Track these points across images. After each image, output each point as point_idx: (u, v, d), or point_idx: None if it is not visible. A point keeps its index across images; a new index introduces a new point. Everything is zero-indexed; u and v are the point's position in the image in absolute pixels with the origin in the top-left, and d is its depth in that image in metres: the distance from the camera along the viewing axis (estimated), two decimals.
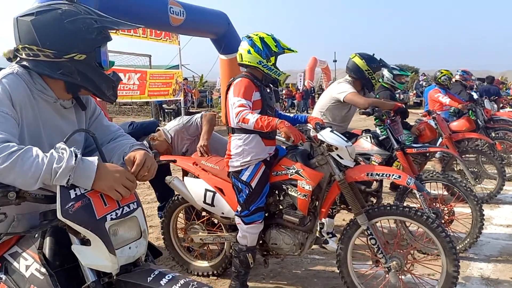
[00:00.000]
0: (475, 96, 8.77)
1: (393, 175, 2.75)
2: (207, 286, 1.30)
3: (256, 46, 2.88)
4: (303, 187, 2.77)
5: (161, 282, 1.22)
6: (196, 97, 24.28)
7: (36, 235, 1.28)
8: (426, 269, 3.00)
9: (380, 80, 5.57)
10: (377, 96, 5.68)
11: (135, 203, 1.31)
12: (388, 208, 2.76)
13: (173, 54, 17.30)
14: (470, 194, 3.66)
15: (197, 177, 3.16)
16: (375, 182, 3.91)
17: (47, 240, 1.26)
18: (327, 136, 2.74)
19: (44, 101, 1.38)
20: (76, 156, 1.18)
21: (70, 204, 1.17)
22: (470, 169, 5.51)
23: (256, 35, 2.92)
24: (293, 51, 3.10)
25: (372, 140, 3.94)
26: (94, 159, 1.23)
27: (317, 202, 2.87)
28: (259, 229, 2.88)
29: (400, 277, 2.78)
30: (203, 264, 3.40)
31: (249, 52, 2.91)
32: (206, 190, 3.07)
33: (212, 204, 3.07)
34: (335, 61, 45.70)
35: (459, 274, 2.66)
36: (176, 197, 3.33)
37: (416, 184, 2.75)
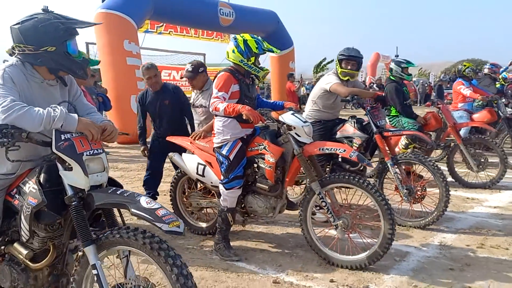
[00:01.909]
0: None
1: (339, 149, 3.35)
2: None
3: (239, 47, 3.55)
4: (269, 160, 3.45)
5: (112, 190, 2.00)
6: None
7: (37, 170, 2.10)
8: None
9: (389, 73, 6.06)
10: (385, 89, 6.18)
11: (100, 149, 2.09)
12: (337, 177, 3.37)
13: (223, 52, 18.33)
14: (437, 172, 4.12)
15: (193, 154, 3.94)
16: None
17: (42, 172, 2.07)
18: (287, 118, 3.40)
19: (35, 82, 2.15)
20: (64, 111, 1.99)
21: (61, 143, 1.97)
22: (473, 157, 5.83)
23: (242, 37, 3.61)
24: (273, 51, 3.76)
25: (355, 125, 4.49)
26: (75, 115, 2.04)
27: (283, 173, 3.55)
28: (237, 194, 3.59)
29: (349, 235, 3.38)
30: (202, 225, 4.18)
31: (233, 51, 3.60)
32: (198, 163, 3.84)
33: (203, 175, 3.85)
34: (397, 56, 44.66)
35: (394, 234, 3.21)
36: (178, 171, 4.14)
37: (358, 156, 3.32)
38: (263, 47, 3.55)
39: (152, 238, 1.90)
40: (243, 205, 3.74)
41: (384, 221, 3.21)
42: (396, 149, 5.80)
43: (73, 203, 1.99)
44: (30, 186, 2.06)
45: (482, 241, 3.82)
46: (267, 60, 18.07)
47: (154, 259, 1.88)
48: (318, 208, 4.35)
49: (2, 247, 2.28)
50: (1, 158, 2.07)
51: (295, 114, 3.47)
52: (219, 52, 20.05)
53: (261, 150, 3.51)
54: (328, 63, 41.64)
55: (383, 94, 4.59)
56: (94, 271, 1.97)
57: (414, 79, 38.32)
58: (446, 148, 6.35)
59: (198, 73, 4.32)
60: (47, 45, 2.06)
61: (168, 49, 16.01)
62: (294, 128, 3.37)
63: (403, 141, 5.79)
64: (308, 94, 6.55)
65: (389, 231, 3.19)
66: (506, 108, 8.28)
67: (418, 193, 4.29)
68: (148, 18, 12.85)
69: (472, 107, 7.62)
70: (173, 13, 13.21)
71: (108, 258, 2.12)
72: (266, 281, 3.15)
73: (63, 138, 1.97)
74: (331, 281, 3.14)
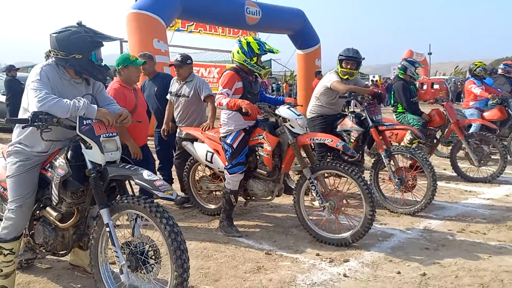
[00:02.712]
0: None
1: (327, 139, 3.78)
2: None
3: (243, 48, 4.03)
4: (266, 148, 3.90)
5: (122, 165, 2.52)
6: (286, 90, 25.96)
7: (65, 148, 2.63)
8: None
9: (401, 71, 6.38)
10: (393, 87, 6.51)
11: (115, 133, 2.60)
12: (326, 164, 3.81)
13: None
14: (426, 163, 4.47)
15: (203, 143, 4.44)
16: (359, 154, 4.91)
17: (69, 150, 2.60)
18: (282, 111, 3.84)
19: (65, 79, 2.67)
20: (86, 103, 2.52)
21: (83, 127, 2.49)
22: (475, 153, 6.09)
23: (246, 39, 4.09)
24: (273, 51, 4.20)
25: (354, 119, 4.88)
26: (95, 105, 2.57)
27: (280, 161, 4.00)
28: (239, 178, 4.07)
29: (336, 215, 3.80)
30: (211, 206, 4.68)
31: (238, 52, 4.08)
32: (207, 151, 4.34)
33: (211, 162, 4.34)
34: (430, 53, 44.00)
35: (374, 216, 3.62)
36: (191, 158, 4.66)
37: (344, 146, 3.73)
38: (264, 48, 4.00)
39: (151, 203, 2.40)
40: (245, 189, 4.22)
41: (365, 204, 3.61)
42: (402, 144, 6.17)
43: (92, 175, 2.51)
44: (60, 161, 2.60)
45: (464, 227, 4.16)
46: (293, 58, 18.46)
47: (152, 220, 2.39)
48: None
49: (38, 212, 2.83)
50: (37, 139, 2.61)
51: (291, 108, 3.90)
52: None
53: (260, 139, 3.97)
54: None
55: (379, 91, 4.93)
56: (107, 229, 2.49)
57: (446, 77, 37.70)
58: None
59: (185, 63, 4.69)
60: (76, 53, 2.59)
61: (199, 46, 16.64)
62: (289, 120, 3.81)
63: (408, 136, 6.12)
64: None
65: (370, 213, 3.59)
66: None
67: (409, 182, 4.64)
68: (177, 17, 13.46)
69: (483, 105, 7.81)
70: (200, 12, 13.76)
71: (119, 220, 2.65)
72: (259, 252, 3.62)
73: (85, 123, 2.50)
74: (317, 255, 3.57)
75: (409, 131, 6.10)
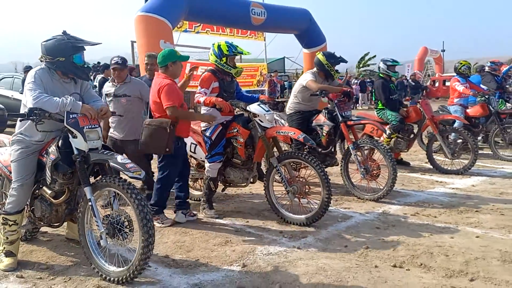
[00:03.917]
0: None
1: (290, 132, 4.29)
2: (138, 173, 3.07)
3: (215, 50, 4.57)
4: (239, 140, 4.43)
5: (101, 151, 3.09)
6: None
7: (57, 138, 3.21)
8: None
9: (377, 71, 6.86)
10: (374, 84, 6.98)
11: (97, 125, 3.17)
12: (290, 154, 4.32)
13: (266, 48, 19.36)
14: (387, 154, 4.94)
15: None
16: (330, 146, 5.41)
17: (60, 139, 3.16)
18: (252, 107, 4.36)
19: (55, 80, 3.22)
20: (72, 100, 3.09)
21: (69, 120, 3.05)
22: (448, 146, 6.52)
23: (218, 43, 4.61)
24: (242, 53, 4.66)
25: (326, 115, 5.37)
26: (80, 102, 3.14)
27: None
28: (218, 166, 4.60)
29: (299, 199, 4.31)
30: (197, 193, 5.24)
31: (211, 54, 4.63)
32: (191, 143, 4.89)
33: (195, 152, 4.90)
34: (443, 50, 43.75)
35: (330, 199, 4.11)
36: None
37: (304, 138, 4.23)
38: (233, 50, 4.50)
39: (124, 181, 2.96)
40: (224, 176, 4.76)
41: (323, 188, 4.12)
42: (381, 139, 6.65)
43: (78, 159, 3.09)
44: (52, 148, 3.18)
45: (418, 211, 4.62)
46: (300, 57, 18.89)
47: (124, 195, 2.94)
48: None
49: (37, 191, 3.42)
50: (35, 130, 3.20)
51: (261, 105, 4.42)
52: (253, 49, 21.00)
53: (235, 132, 4.50)
54: (370, 58, 41.49)
55: (348, 90, 5.41)
56: (90, 203, 3.06)
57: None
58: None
59: (125, 66, 4.92)
60: (59, 56, 3.17)
61: (205, 46, 17.19)
62: (258, 115, 4.34)
63: (387, 131, 6.59)
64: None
65: (326, 197, 4.09)
66: (507, 103, 8.79)
67: (374, 172, 5.12)
68: (184, 19, 14.05)
69: (467, 102, 8.19)
70: (206, 14, 14.31)
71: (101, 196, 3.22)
72: (231, 229, 4.17)
73: (71, 117, 3.07)
74: (280, 232, 4.09)
75: (388, 126, 6.58)
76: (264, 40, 18.25)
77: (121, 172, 3.05)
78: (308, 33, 17.67)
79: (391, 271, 3.23)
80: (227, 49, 4.51)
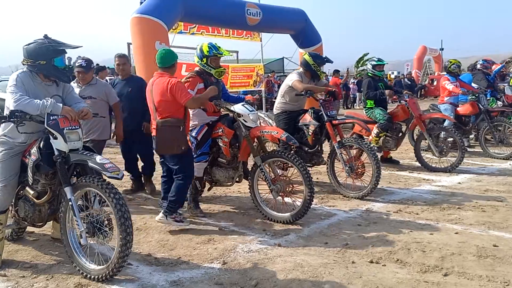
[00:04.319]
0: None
1: (273, 132, 4.36)
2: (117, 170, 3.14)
3: (197, 52, 4.64)
4: (224, 140, 4.50)
5: (81, 152, 3.15)
6: None
7: (39, 140, 3.28)
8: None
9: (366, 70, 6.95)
10: (362, 83, 7.05)
11: (77, 126, 3.24)
12: (273, 153, 4.38)
13: (263, 49, 19.43)
14: (371, 152, 5.00)
15: None
16: (317, 146, 5.47)
17: (42, 141, 3.23)
18: (236, 107, 4.42)
19: (37, 83, 3.29)
20: (53, 102, 3.16)
21: (50, 121, 3.11)
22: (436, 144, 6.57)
23: (201, 45, 4.67)
24: (222, 54, 4.68)
25: (312, 115, 5.43)
26: (61, 104, 3.20)
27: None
28: (203, 166, 4.67)
29: (283, 197, 4.37)
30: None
31: (195, 55, 4.70)
32: None
33: None
34: (442, 49, 43.77)
35: (313, 197, 4.18)
36: None
37: (287, 137, 4.30)
38: (213, 51, 4.54)
39: (103, 181, 3.03)
40: (210, 176, 4.82)
41: (305, 187, 4.18)
42: (369, 138, 6.72)
43: (58, 160, 3.15)
44: (34, 149, 3.25)
45: (401, 209, 4.69)
46: (295, 56, 18.96)
47: (103, 194, 3.01)
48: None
49: (21, 191, 3.49)
50: (17, 132, 3.27)
51: (245, 105, 4.49)
52: (250, 49, 21.05)
53: (220, 132, 4.57)
54: (369, 59, 41.56)
55: (334, 89, 5.47)
56: (70, 203, 3.13)
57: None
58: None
59: (90, 68, 4.93)
60: (40, 59, 3.24)
61: None
62: (242, 115, 4.40)
63: (375, 130, 6.66)
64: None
65: (309, 195, 4.15)
66: (497, 102, 8.84)
67: (359, 170, 5.18)
68: (179, 20, 14.12)
69: (457, 101, 8.25)
70: (202, 15, 14.38)
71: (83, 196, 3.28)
72: (215, 228, 4.23)
73: (51, 118, 3.14)
74: (263, 230, 4.15)
75: (376, 126, 6.64)
76: (261, 41, 18.28)
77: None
78: (304, 33, 17.73)
79: (368, 266, 3.29)
80: (208, 50, 4.57)
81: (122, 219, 2.94)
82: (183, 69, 14.15)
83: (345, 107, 22.48)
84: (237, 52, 19.27)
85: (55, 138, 3.16)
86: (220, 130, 4.55)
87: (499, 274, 3.11)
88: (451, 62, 8.28)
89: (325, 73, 5.69)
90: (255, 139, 4.49)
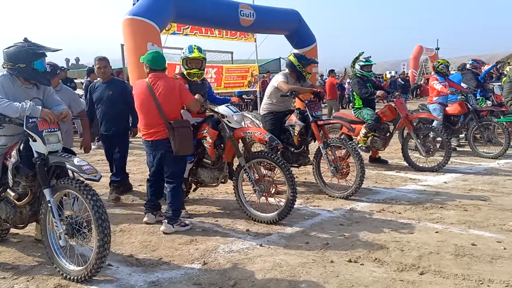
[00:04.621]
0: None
1: (256, 133, 4.39)
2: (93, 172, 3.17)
3: (181, 54, 4.70)
4: (208, 140, 4.53)
5: (60, 154, 3.18)
6: None
7: (19, 143, 3.30)
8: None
9: (355, 70, 7.00)
10: (351, 83, 7.08)
11: (56, 129, 3.27)
12: (256, 154, 4.41)
13: (257, 49, 19.46)
14: (355, 152, 5.03)
15: None
16: (303, 146, 5.50)
17: (22, 143, 3.25)
18: (221, 109, 4.45)
19: (17, 86, 3.33)
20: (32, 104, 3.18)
21: (29, 124, 3.14)
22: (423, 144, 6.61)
23: (186, 47, 4.71)
24: (200, 55, 4.68)
25: (298, 115, 5.46)
26: (40, 107, 3.23)
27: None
28: (189, 167, 4.69)
29: (267, 198, 4.40)
30: None
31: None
32: None
33: None
34: (437, 48, 43.87)
35: (296, 197, 4.20)
36: None
37: (270, 138, 4.33)
38: (186, 53, 4.60)
39: (81, 183, 3.05)
40: (195, 176, 4.85)
41: (288, 187, 4.21)
42: (357, 138, 6.76)
43: (37, 162, 3.18)
44: (13, 152, 3.28)
45: (385, 208, 4.72)
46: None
47: (80, 196, 3.03)
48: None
49: (3, 194, 3.52)
50: None
51: (229, 107, 4.51)
52: (245, 49, 21.07)
53: (204, 133, 4.60)
54: (357, 60, 41.65)
55: (318, 90, 5.50)
56: (49, 204, 3.16)
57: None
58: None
59: (56, 74, 4.83)
60: (20, 63, 3.27)
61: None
62: (226, 116, 4.43)
63: (363, 130, 6.70)
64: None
65: (291, 195, 4.19)
66: (487, 101, 8.90)
67: (344, 170, 5.21)
68: (172, 21, 14.13)
69: (446, 101, 8.29)
70: (194, 16, 14.38)
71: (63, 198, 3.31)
72: (198, 229, 4.25)
73: (30, 121, 3.17)
74: (247, 230, 4.18)
75: (364, 126, 6.68)
76: (255, 41, 18.31)
77: None
78: (298, 33, 17.74)
79: (346, 266, 3.33)
80: (184, 51, 4.66)
81: (99, 220, 2.96)
82: (176, 70, 14.20)
83: (341, 107, 22.53)
84: (231, 52, 19.27)
85: (34, 140, 3.18)
86: (205, 131, 4.58)
87: (475, 272, 3.15)
88: (439, 62, 8.33)
89: (310, 74, 5.70)
90: (240, 140, 4.52)
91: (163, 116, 4.12)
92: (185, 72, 4.65)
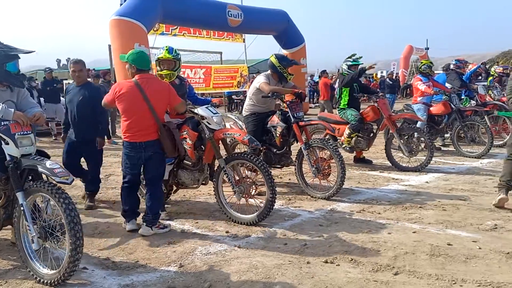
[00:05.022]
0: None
1: (236, 134, 4.39)
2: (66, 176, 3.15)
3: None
4: (188, 142, 4.51)
5: (33, 157, 3.15)
6: None
7: None
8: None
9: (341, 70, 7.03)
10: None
11: (29, 131, 3.24)
12: (236, 155, 4.41)
13: (249, 50, 19.48)
14: (335, 153, 5.04)
15: None
16: (285, 147, 5.51)
17: None
18: (200, 110, 4.44)
19: None
20: (4, 107, 3.15)
21: (1, 127, 3.12)
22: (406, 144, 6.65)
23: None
24: (169, 56, 4.65)
25: (280, 116, 5.47)
26: (12, 109, 3.20)
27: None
28: (169, 169, 4.66)
29: (247, 199, 4.39)
30: None
31: None
32: None
33: None
34: (427, 48, 44.14)
35: (275, 198, 4.20)
36: None
37: (249, 139, 4.33)
38: (158, 55, 4.63)
39: (53, 186, 3.03)
40: (176, 179, 4.83)
41: (267, 188, 4.21)
42: (342, 138, 6.78)
43: (10, 165, 3.15)
44: None
45: (365, 208, 4.74)
46: None
47: (53, 199, 3.01)
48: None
49: None
50: None
51: (209, 108, 4.51)
52: (235, 50, 21.12)
53: (184, 135, 4.58)
54: (357, 59, 41.86)
55: (300, 91, 5.50)
56: (22, 208, 3.13)
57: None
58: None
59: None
60: None
61: (183, 48, 17.26)
62: (206, 118, 4.42)
63: (346, 131, 6.73)
64: None
65: (271, 196, 4.18)
66: (471, 101, 8.97)
67: (325, 171, 5.22)
68: (159, 22, 14.09)
69: (430, 101, 8.34)
70: (182, 17, 14.36)
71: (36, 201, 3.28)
72: (177, 231, 4.24)
73: (2, 124, 3.14)
74: (226, 232, 4.17)
75: (348, 126, 6.71)
76: (244, 42, 18.32)
77: None
78: (286, 34, 17.79)
79: (322, 266, 3.33)
80: (158, 52, 4.66)
81: (71, 224, 2.94)
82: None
83: (333, 107, 22.58)
84: (220, 53, 19.26)
85: (7, 143, 3.15)
86: (185, 132, 4.57)
87: (448, 272, 3.17)
88: (422, 62, 8.40)
89: (292, 74, 5.70)
90: (220, 141, 4.51)
91: (155, 117, 4.05)
92: (157, 74, 4.64)
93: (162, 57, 4.58)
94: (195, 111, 4.47)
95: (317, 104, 25.33)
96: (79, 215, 3.03)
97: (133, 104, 4.00)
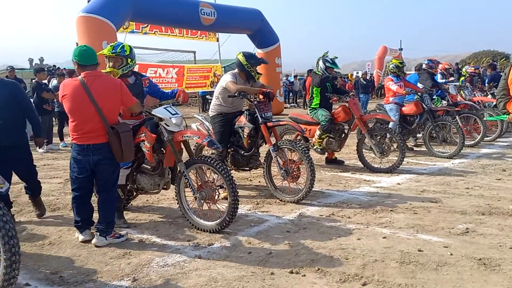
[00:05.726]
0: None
1: (195, 136, 4.13)
2: None
3: None
4: (146, 145, 4.23)
5: None
6: None
7: None
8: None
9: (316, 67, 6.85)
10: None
11: None
12: (197, 159, 4.16)
13: (223, 49, 19.21)
14: (305, 156, 4.84)
15: None
16: (253, 149, 5.27)
17: None
18: (158, 111, 4.16)
19: None
20: None
21: None
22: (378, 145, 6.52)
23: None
24: (111, 54, 4.35)
25: (247, 117, 5.23)
26: None
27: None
28: (125, 173, 4.38)
29: (209, 205, 4.14)
30: None
31: None
32: None
33: None
34: (401, 49, 44.70)
35: (237, 205, 3.94)
36: None
37: (208, 142, 4.08)
38: (112, 51, 4.33)
39: None
40: (135, 185, 4.54)
41: (229, 194, 3.96)
42: (313, 139, 6.60)
43: None
44: None
45: (335, 212, 4.55)
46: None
47: None
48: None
49: None
50: None
51: (167, 108, 4.23)
52: (209, 49, 20.75)
53: (142, 137, 4.30)
54: (323, 56, 42.14)
55: (268, 90, 5.27)
56: None
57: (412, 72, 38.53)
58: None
59: None
60: None
61: (160, 47, 16.90)
62: (164, 119, 4.15)
63: (317, 132, 6.56)
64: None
65: (233, 202, 3.94)
66: (442, 101, 8.94)
67: (294, 173, 5.01)
68: (129, 19, 13.70)
69: (402, 101, 8.26)
70: (153, 15, 14.00)
71: None
72: (135, 240, 3.95)
73: None
74: (188, 240, 3.91)
75: (318, 127, 6.54)
76: (217, 41, 18.04)
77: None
78: (261, 33, 17.61)
79: (286, 278, 3.12)
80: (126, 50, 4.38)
81: (5, 237, 2.64)
82: (135, 69, 13.73)
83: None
84: (194, 52, 18.94)
85: None
86: (143, 134, 4.29)
87: (419, 282, 3.00)
88: (391, 62, 8.31)
89: (260, 74, 5.48)
90: (180, 143, 4.25)
91: (102, 118, 3.76)
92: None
93: (101, 52, 4.29)
94: (153, 112, 4.20)
95: (292, 104, 25.31)
96: (15, 227, 2.73)
97: (78, 105, 3.71)
